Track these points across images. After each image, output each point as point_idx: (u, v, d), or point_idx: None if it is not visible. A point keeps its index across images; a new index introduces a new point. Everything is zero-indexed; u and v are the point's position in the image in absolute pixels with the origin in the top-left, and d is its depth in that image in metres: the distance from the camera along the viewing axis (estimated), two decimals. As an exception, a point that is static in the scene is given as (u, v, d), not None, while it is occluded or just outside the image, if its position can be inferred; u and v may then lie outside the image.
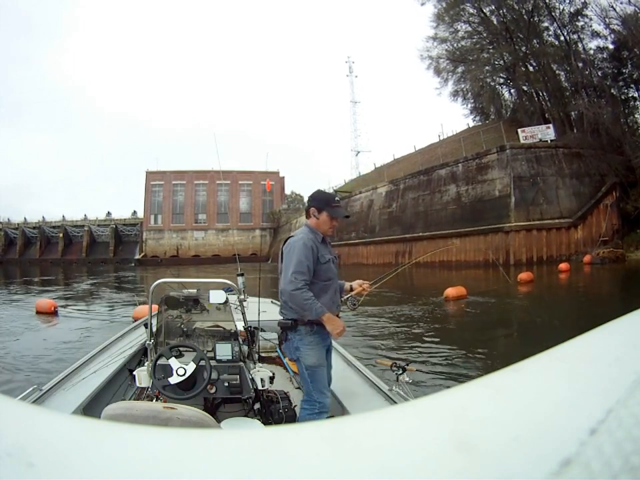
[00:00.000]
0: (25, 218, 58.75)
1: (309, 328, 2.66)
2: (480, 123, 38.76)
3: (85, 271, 39.10)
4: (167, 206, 53.41)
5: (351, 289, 3.06)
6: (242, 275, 3.25)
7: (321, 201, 2.80)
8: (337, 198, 2.95)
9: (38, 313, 11.19)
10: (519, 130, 26.22)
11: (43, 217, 58.57)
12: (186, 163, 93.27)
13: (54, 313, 11.12)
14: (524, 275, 15.34)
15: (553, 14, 29.05)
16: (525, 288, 14.37)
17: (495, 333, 8.12)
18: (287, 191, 57.11)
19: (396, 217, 30.17)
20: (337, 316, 2.74)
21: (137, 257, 51.12)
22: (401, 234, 28.26)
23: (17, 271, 39.46)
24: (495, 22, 32.21)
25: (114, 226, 55.49)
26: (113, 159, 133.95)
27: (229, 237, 51.46)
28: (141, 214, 55.41)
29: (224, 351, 2.91)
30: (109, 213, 59.28)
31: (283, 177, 57.05)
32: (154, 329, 2.98)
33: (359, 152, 61.82)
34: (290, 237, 2.77)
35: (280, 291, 2.71)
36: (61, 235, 55.36)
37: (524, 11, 29.81)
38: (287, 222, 47.38)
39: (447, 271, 23.02)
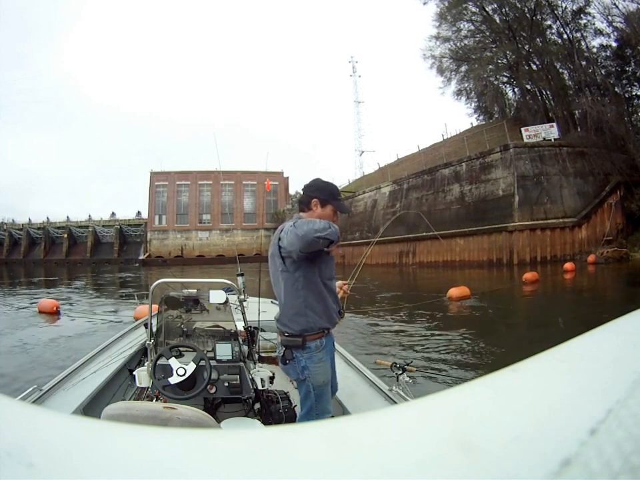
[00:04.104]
0: (29, 219, 59.07)
1: (318, 343, 2.36)
2: (483, 122, 38.76)
3: (89, 271, 39.23)
4: (171, 206, 53.45)
5: None
6: (242, 275, 3.24)
7: (326, 191, 2.46)
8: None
9: (40, 312, 11.30)
10: (523, 129, 26.20)
11: (48, 218, 58.85)
12: (188, 163, 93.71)
13: (56, 313, 11.22)
14: (529, 275, 15.25)
15: (556, 12, 28.94)
16: (530, 288, 14.29)
17: (497, 333, 8.10)
18: (291, 191, 57.15)
19: (400, 216, 30.13)
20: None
21: (142, 257, 51.17)
22: (404, 234, 28.19)
23: (22, 271, 39.61)
24: (498, 20, 32.12)
25: (118, 226, 55.60)
26: (114, 159, 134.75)
27: (233, 237, 51.37)
28: (145, 214, 55.52)
29: (224, 350, 2.91)
30: (113, 214, 59.54)
31: (287, 177, 57.03)
32: (154, 329, 2.98)
33: (362, 152, 61.91)
34: (280, 229, 2.38)
35: (279, 304, 2.44)
36: (66, 235, 55.53)
37: (526, 9, 29.70)
38: (290, 221, 47.01)
39: (451, 270, 22.99)
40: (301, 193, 2.60)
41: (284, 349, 2.37)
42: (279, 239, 2.31)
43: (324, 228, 2.09)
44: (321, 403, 2.40)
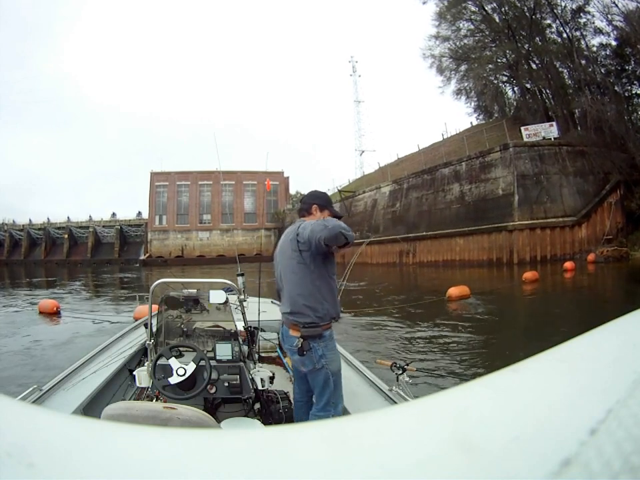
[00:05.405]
0: (29, 219, 59.01)
1: (330, 331, 2.60)
2: (483, 122, 38.73)
3: (89, 271, 39.22)
4: (172, 206, 53.35)
5: None
6: (242, 275, 3.24)
7: (323, 199, 2.84)
8: None
9: (41, 313, 11.33)
10: (522, 128, 26.12)
11: (48, 219, 58.79)
12: (188, 163, 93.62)
13: (56, 313, 11.26)
14: (529, 274, 15.27)
15: (555, 11, 28.90)
16: (529, 287, 14.29)
17: (497, 333, 8.09)
18: (292, 191, 57.11)
19: (400, 216, 30.13)
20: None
21: (142, 257, 51.06)
22: (404, 233, 28.19)
23: (22, 272, 39.59)
24: (497, 19, 32.09)
25: (119, 227, 55.54)
26: (114, 159, 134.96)
27: (233, 237, 51.24)
28: (145, 214, 55.40)
29: (224, 350, 2.91)
30: (113, 214, 59.45)
31: (288, 177, 56.93)
32: (154, 329, 2.99)
33: (363, 151, 61.95)
34: (296, 226, 2.63)
35: (292, 294, 2.57)
36: (66, 236, 55.47)
37: (526, 8, 29.67)
38: (291, 222, 46.64)
39: (451, 270, 22.98)
40: (300, 202, 2.93)
41: (301, 340, 2.50)
42: (297, 234, 2.54)
43: (347, 229, 2.42)
44: (337, 390, 2.58)
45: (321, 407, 2.54)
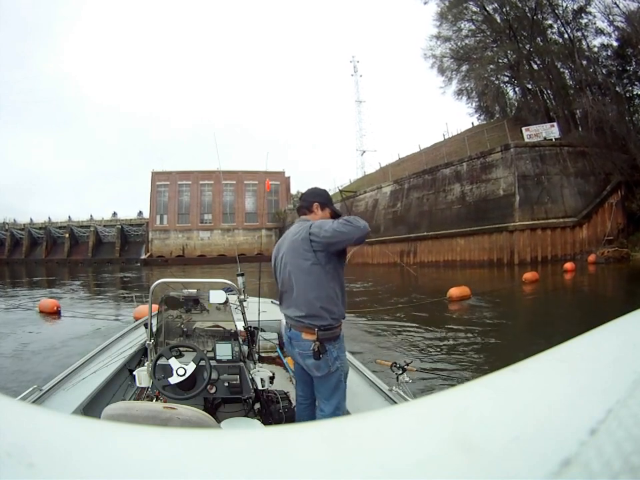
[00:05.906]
0: (30, 219, 59.19)
1: (342, 331, 2.54)
2: (484, 122, 38.67)
3: (90, 271, 39.23)
4: (173, 206, 53.39)
5: None
6: (242, 275, 3.24)
7: (324, 197, 2.77)
8: None
9: (41, 312, 11.34)
10: (523, 128, 26.10)
11: (49, 218, 58.94)
12: (189, 163, 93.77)
13: (57, 313, 11.26)
14: (529, 275, 15.26)
15: (557, 11, 28.87)
16: (529, 288, 14.29)
17: (497, 333, 8.08)
18: (293, 191, 57.07)
19: (401, 216, 30.12)
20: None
21: (143, 257, 51.14)
22: (405, 233, 28.20)
23: (23, 271, 39.60)
24: (499, 20, 32.04)
25: (120, 226, 55.62)
26: (115, 159, 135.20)
27: (234, 237, 51.27)
28: (146, 214, 55.46)
29: (224, 350, 2.91)
30: (114, 214, 59.60)
31: (289, 177, 57.00)
32: (154, 329, 2.98)
33: (364, 151, 62.03)
34: (305, 225, 2.52)
35: (307, 297, 2.44)
36: (67, 235, 55.57)
37: (527, 8, 29.63)
38: (292, 222, 46.40)
39: (452, 270, 22.97)
40: (300, 199, 2.85)
41: (317, 344, 2.40)
42: (310, 234, 2.42)
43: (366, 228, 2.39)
44: (345, 392, 2.54)
45: (331, 412, 2.47)
